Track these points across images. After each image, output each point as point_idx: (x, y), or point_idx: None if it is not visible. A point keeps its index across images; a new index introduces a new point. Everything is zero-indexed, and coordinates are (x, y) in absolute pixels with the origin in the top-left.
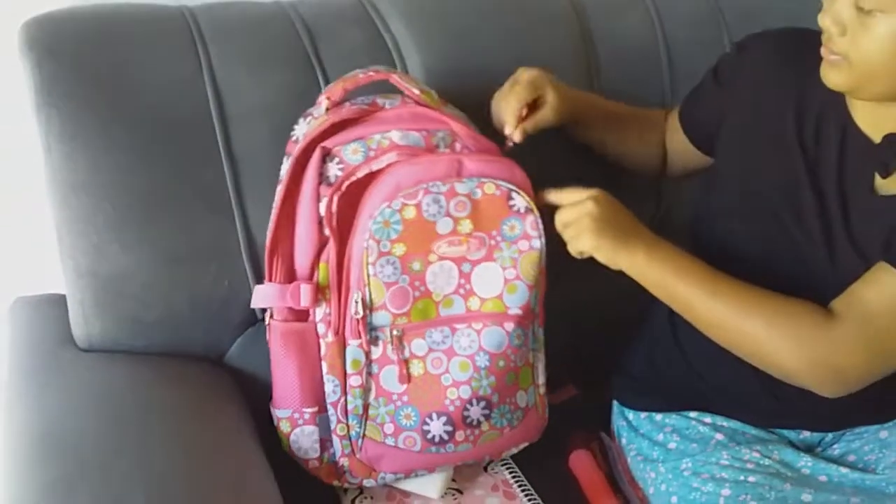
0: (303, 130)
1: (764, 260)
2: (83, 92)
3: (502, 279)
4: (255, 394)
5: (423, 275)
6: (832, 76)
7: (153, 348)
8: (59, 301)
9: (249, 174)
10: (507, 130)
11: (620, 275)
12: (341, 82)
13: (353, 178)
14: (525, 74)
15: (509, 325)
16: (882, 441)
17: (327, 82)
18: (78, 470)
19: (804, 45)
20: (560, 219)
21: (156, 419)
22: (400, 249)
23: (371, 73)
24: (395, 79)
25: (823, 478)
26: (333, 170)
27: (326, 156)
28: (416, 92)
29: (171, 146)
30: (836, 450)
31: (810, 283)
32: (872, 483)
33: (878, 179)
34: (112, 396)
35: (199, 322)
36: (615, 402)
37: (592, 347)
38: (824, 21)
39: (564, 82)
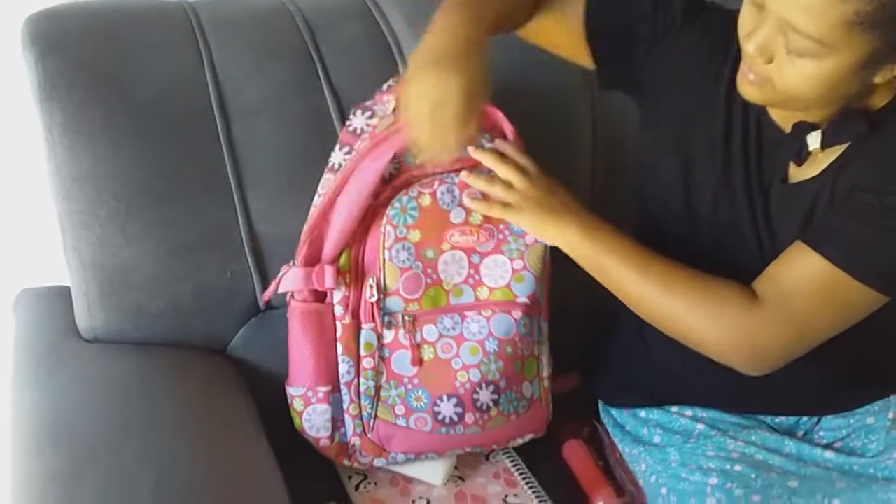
0: (361, 123)
1: (703, 249)
2: (86, 86)
3: (510, 269)
4: (257, 383)
5: (436, 263)
6: (750, 91)
7: (157, 339)
8: (64, 293)
9: (250, 166)
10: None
11: None
12: None
13: (409, 174)
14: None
15: (517, 314)
16: (868, 427)
17: (327, 76)
18: (85, 457)
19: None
20: (488, 189)
21: (161, 407)
22: (415, 236)
23: None
24: None
25: (808, 462)
26: (389, 168)
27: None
28: None
29: (174, 139)
30: (823, 439)
31: (745, 273)
32: (860, 468)
33: (791, 168)
34: (117, 385)
35: (202, 313)
36: (599, 401)
37: (594, 336)
38: (748, 47)
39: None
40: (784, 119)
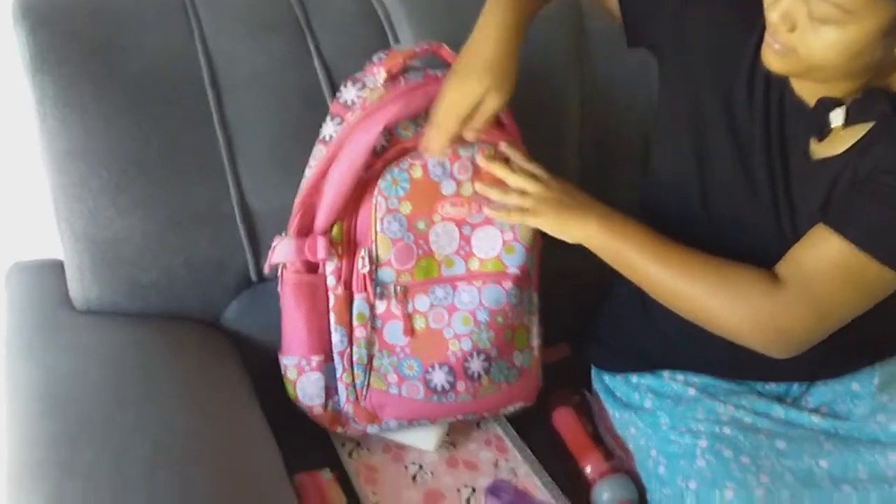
0: (352, 95)
1: (717, 227)
2: (77, 59)
3: (501, 241)
4: (250, 354)
5: (427, 234)
6: (774, 62)
7: (150, 310)
8: (56, 266)
9: (242, 140)
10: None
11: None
12: (400, 56)
13: (400, 146)
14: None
15: (507, 284)
16: (854, 393)
17: (319, 51)
18: (80, 426)
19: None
20: (502, 198)
21: (156, 377)
22: (407, 208)
23: (424, 46)
24: (446, 52)
25: (796, 425)
26: (380, 141)
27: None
28: None
29: (165, 112)
30: (810, 403)
31: (761, 249)
32: (845, 431)
33: (812, 145)
34: (112, 356)
35: (194, 285)
36: (592, 366)
37: (585, 306)
38: (772, 16)
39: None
40: (808, 93)
